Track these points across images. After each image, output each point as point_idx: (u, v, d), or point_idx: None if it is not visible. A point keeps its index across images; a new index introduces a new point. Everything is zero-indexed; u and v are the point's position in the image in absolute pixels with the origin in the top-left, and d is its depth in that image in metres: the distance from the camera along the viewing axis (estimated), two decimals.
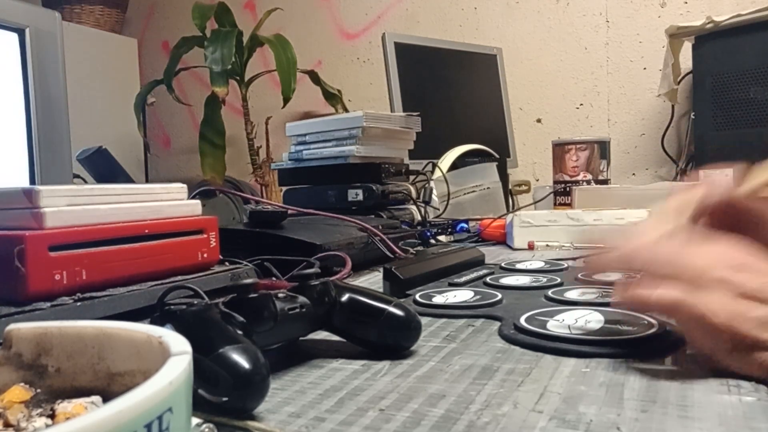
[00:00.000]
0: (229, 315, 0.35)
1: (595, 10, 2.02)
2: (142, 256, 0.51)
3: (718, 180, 0.48)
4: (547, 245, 0.92)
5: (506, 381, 0.34)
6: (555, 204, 1.29)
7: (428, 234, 0.95)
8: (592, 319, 0.43)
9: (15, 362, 0.25)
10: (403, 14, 2.34)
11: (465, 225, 1.12)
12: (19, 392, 0.24)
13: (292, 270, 0.60)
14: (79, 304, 0.44)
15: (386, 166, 1.07)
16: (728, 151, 1.52)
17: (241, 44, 2.17)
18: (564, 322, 0.43)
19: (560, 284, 0.59)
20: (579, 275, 0.63)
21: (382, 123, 1.10)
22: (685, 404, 0.30)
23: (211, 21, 2.19)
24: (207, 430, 0.26)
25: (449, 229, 1.08)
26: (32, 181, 0.95)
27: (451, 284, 0.62)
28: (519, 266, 0.71)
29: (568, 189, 1.26)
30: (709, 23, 1.51)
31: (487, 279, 0.63)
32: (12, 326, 0.25)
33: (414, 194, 1.11)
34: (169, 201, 0.55)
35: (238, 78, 2.24)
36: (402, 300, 0.43)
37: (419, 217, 1.07)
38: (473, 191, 1.28)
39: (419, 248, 0.87)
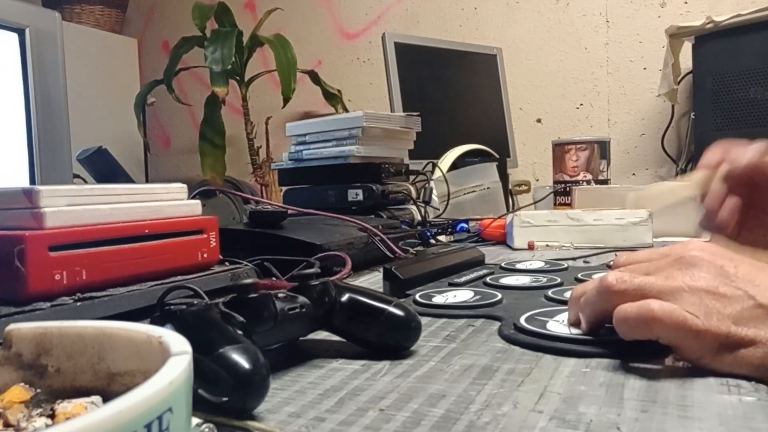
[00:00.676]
0: (229, 315, 0.35)
1: (595, 10, 2.02)
2: (142, 256, 0.51)
3: (748, 146, 0.48)
4: (547, 245, 0.92)
5: (506, 381, 0.34)
6: (555, 204, 1.29)
7: (428, 234, 0.95)
8: None
9: (15, 362, 0.25)
10: (403, 14, 2.34)
11: (465, 225, 1.12)
12: (19, 392, 0.24)
13: (292, 270, 0.60)
14: (79, 304, 0.44)
15: (386, 166, 1.07)
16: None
17: (241, 44, 2.17)
18: (564, 322, 0.43)
19: (560, 284, 0.59)
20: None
21: (382, 123, 1.10)
22: (685, 404, 0.30)
23: (211, 21, 2.19)
24: (207, 430, 0.26)
25: (449, 229, 1.08)
26: (32, 181, 0.95)
27: (451, 284, 0.62)
28: (519, 266, 0.71)
29: (568, 189, 1.26)
30: (709, 23, 1.51)
31: (487, 279, 0.63)
32: (12, 326, 0.25)
33: (414, 194, 1.11)
34: (169, 201, 0.55)
35: (238, 78, 2.24)
36: (402, 300, 0.43)
37: (419, 217, 1.07)
38: (473, 191, 1.28)
39: (419, 248, 0.87)
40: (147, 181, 2.66)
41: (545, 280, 0.61)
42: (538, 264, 0.72)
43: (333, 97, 2.19)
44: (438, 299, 0.54)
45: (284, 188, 1.15)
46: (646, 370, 0.35)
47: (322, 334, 0.43)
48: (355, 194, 1.03)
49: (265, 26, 2.25)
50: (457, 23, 2.24)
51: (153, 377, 0.17)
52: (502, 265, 0.72)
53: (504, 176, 1.44)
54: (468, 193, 1.27)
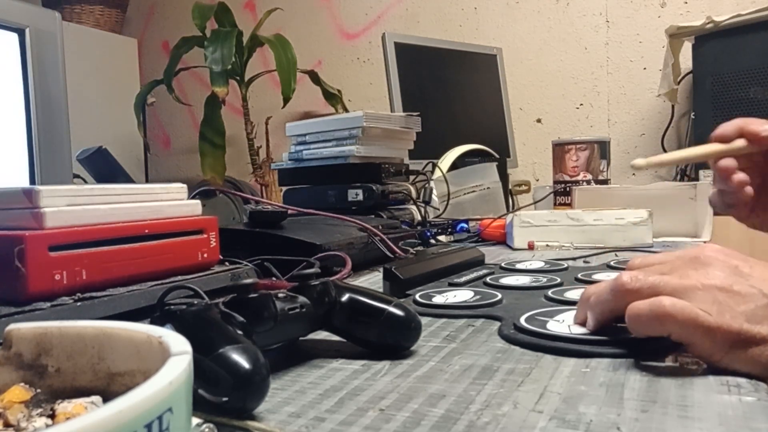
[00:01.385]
0: (229, 315, 0.35)
1: (595, 10, 2.02)
2: (142, 256, 0.51)
3: (765, 124, 0.48)
4: (547, 245, 0.92)
5: (506, 381, 0.34)
6: (555, 204, 1.29)
7: (428, 234, 0.95)
8: None
9: (15, 362, 0.25)
10: (403, 14, 2.34)
11: (465, 225, 1.12)
12: (19, 392, 0.24)
13: (292, 270, 0.60)
14: (79, 304, 0.44)
15: (386, 166, 1.07)
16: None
17: (241, 44, 2.17)
18: (564, 322, 0.42)
19: (560, 284, 0.59)
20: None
21: (382, 123, 1.10)
22: (685, 404, 0.30)
23: (211, 21, 2.19)
24: (207, 430, 0.26)
25: (449, 229, 1.08)
26: (32, 181, 0.95)
27: (451, 284, 0.62)
28: (519, 266, 0.71)
29: (568, 189, 1.26)
30: (709, 23, 1.51)
31: (487, 279, 0.63)
32: (12, 326, 0.25)
33: (414, 194, 1.11)
34: (169, 201, 0.55)
35: (238, 78, 2.24)
36: (402, 300, 0.43)
37: (419, 217, 1.07)
38: (473, 191, 1.28)
39: (419, 248, 0.87)
40: (147, 181, 2.66)
41: (545, 280, 0.61)
42: (538, 264, 0.72)
43: (333, 97, 2.19)
44: (438, 299, 0.54)
45: (284, 188, 1.15)
46: (646, 370, 0.35)
47: (322, 334, 0.43)
48: (355, 194, 1.03)
49: (265, 26, 2.25)
50: (457, 23, 2.24)
51: (153, 377, 0.17)
52: (502, 265, 0.72)
53: (504, 176, 1.44)
54: (468, 193, 1.27)
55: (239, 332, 0.34)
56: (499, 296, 0.53)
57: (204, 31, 2.12)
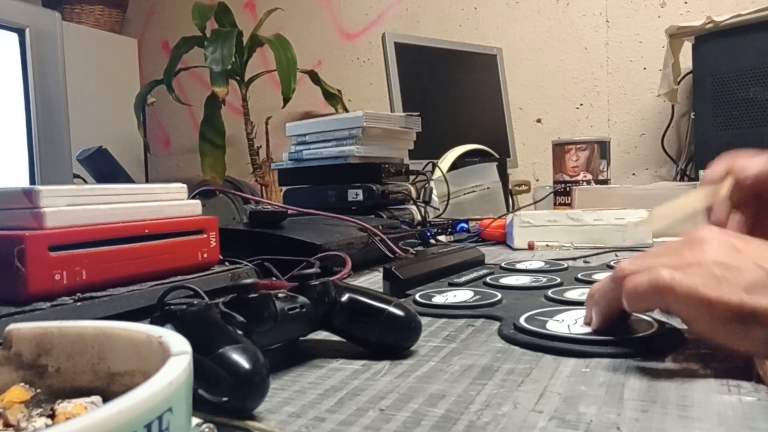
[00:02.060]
0: (229, 315, 0.35)
1: (595, 10, 2.02)
2: (142, 256, 0.51)
3: (754, 156, 0.48)
4: (547, 245, 0.92)
5: (506, 381, 0.34)
6: (555, 204, 1.29)
7: (428, 234, 0.95)
8: None
9: (15, 362, 0.25)
10: (403, 14, 2.34)
11: (465, 225, 1.12)
12: (19, 392, 0.24)
13: (292, 270, 0.60)
14: (79, 304, 0.44)
15: (386, 166, 1.07)
16: (728, 151, 1.51)
17: (241, 44, 2.17)
18: (564, 322, 0.43)
19: (560, 284, 0.59)
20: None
21: (382, 123, 1.10)
22: (685, 404, 0.30)
23: (211, 21, 2.19)
24: (207, 430, 0.26)
25: (449, 229, 1.08)
26: (32, 181, 0.95)
27: (451, 284, 0.62)
28: (519, 266, 0.71)
29: (568, 189, 1.26)
30: (709, 23, 1.51)
31: (487, 279, 0.63)
32: (12, 326, 0.25)
33: (414, 194, 1.11)
34: (169, 201, 0.55)
35: (238, 78, 2.24)
36: (402, 300, 0.43)
37: (419, 217, 1.07)
38: (473, 191, 1.28)
39: (419, 248, 0.87)
40: (147, 181, 2.66)
41: (545, 280, 0.61)
42: (538, 264, 0.72)
43: (333, 97, 2.19)
44: (438, 299, 0.54)
45: (284, 188, 1.15)
46: (646, 370, 0.35)
47: (322, 334, 0.43)
48: (355, 194, 1.03)
49: (265, 26, 2.24)
50: (457, 23, 2.24)
51: (153, 377, 0.17)
52: (502, 265, 0.72)
53: (504, 176, 1.44)
54: (468, 193, 1.27)
55: (239, 332, 0.34)
56: (499, 296, 0.53)
57: (204, 31, 2.12)
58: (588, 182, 1.26)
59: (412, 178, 1.16)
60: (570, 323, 0.42)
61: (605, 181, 1.28)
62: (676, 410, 0.29)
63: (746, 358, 0.34)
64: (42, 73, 0.97)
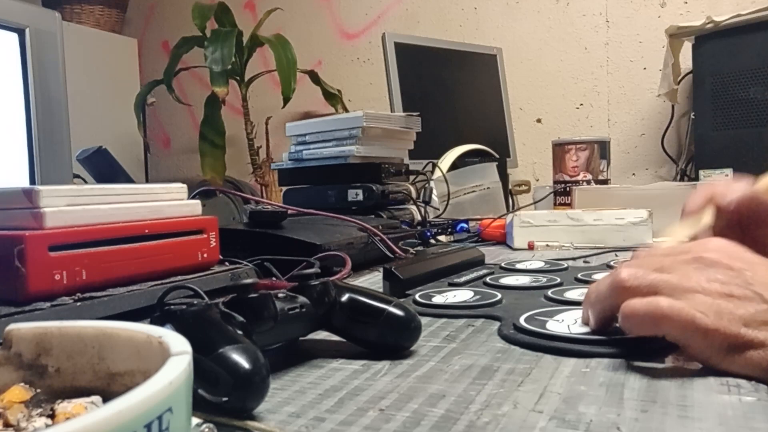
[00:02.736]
0: (229, 315, 0.35)
1: (595, 10, 2.02)
2: (142, 256, 0.51)
3: (733, 183, 0.48)
4: (547, 245, 0.92)
5: (506, 381, 0.34)
6: (555, 204, 1.29)
7: (428, 234, 0.95)
8: None
9: (15, 362, 0.25)
10: (403, 14, 2.34)
11: (465, 225, 1.12)
12: (19, 392, 0.24)
13: (292, 270, 0.60)
14: (79, 304, 0.44)
15: (386, 166, 1.07)
16: (728, 151, 1.52)
17: (241, 44, 2.17)
18: (564, 322, 0.42)
19: (560, 284, 0.59)
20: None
21: (382, 123, 1.10)
22: (685, 404, 0.30)
23: (211, 21, 2.19)
24: (207, 430, 0.26)
25: (449, 229, 1.08)
26: (32, 181, 0.95)
27: (451, 284, 0.62)
28: (519, 266, 0.71)
29: (568, 189, 1.26)
30: (709, 23, 1.51)
31: (487, 279, 0.63)
32: (12, 326, 0.25)
33: (414, 194, 1.11)
34: (169, 201, 0.55)
35: (238, 78, 2.24)
36: (402, 300, 0.43)
37: (419, 217, 1.07)
38: (473, 191, 1.28)
39: (419, 248, 0.87)
40: (147, 181, 2.66)
41: (545, 280, 0.61)
42: (538, 264, 0.72)
43: (333, 97, 2.19)
44: (438, 299, 0.54)
45: (284, 188, 1.15)
46: (646, 370, 0.35)
47: (322, 334, 0.43)
48: (355, 194, 1.03)
49: (265, 26, 2.24)
50: (457, 23, 2.24)
51: (153, 377, 0.17)
52: (502, 265, 0.72)
53: (504, 176, 1.44)
54: (468, 193, 1.27)
55: (239, 332, 0.34)
56: (499, 296, 0.53)
57: (204, 31, 2.12)
58: (588, 182, 1.26)
59: (412, 178, 1.16)
60: (570, 323, 0.42)
61: (605, 181, 1.28)
62: (676, 410, 0.29)
63: None
64: (42, 73, 0.97)
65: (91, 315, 0.44)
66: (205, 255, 0.56)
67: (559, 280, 0.61)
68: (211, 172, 2.14)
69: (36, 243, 0.43)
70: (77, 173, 1.33)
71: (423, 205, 1.09)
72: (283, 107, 2.06)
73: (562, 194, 1.27)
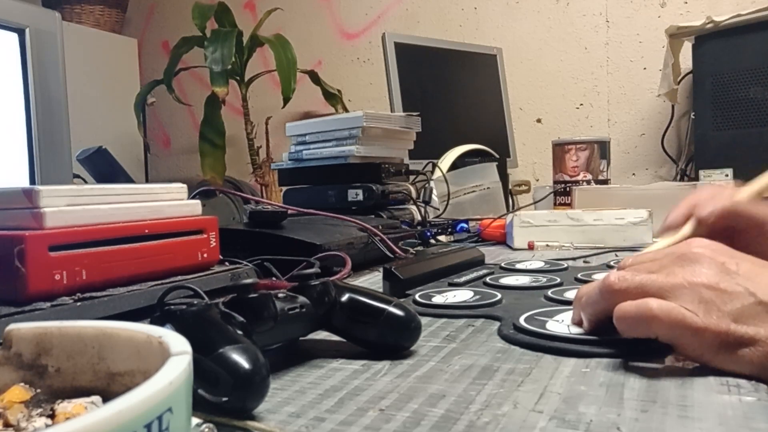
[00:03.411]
0: (229, 315, 0.35)
1: (595, 10, 2.02)
2: (142, 256, 0.51)
3: (716, 193, 0.49)
4: (547, 245, 0.92)
5: (506, 381, 0.34)
6: (555, 204, 1.29)
7: (428, 234, 0.95)
8: None
9: (15, 362, 0.25)
10: (403, 14, 2.34)
11: (465, 225, 1.12)
12: (19, 392, 0.24)
13: (292, 270, 0.60)
14: (79, 304, 0.44)
15: (386, 166, 1.07)
16: (728, 151, 1.52)
17: (241, 44, 2.17)
18: (564, 322, 0.43)
19: (560, 284, 0.59)
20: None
21: (382, 123, 1.10)
22: (685, 404, 0.30)
23: (211, 21, 2.19)
24: (207, 430, 0.26)
25: (449, 229, 1.08)
26: (32, 181, 0.95)
27: (451, 284, 0.62)
28: (519, 266, 0.71)
29: (568, 189, 1.26)
30: (709, 23, 1.51)
31: (487, 279, 0.63)
32: (12, 326, 0.25)
33: (414, 194, 1.11)
34: (169, 201, 0.55)
35: (238, 78, 2.24)
36: (402, 300, 0.43)
37: (419, 217, 1.07)
38: (473, 191, 1.28)
39: (419, 248, 0.87)
40: (147, 181, 2.66)
41: (545, 280, 0.61)
42: (538, 264, 0.72)
43: (333, 97, 2.19)
44: (438, 299, 0.54)
45: (284, 188, 1.15)
46: (646, 370, 0.35)
47: (322, 334, 0.43)
48: (355, 194, 1.03)
49: (265, 26, 2.24)
50: (457, 23, 2.24)
51: (153, 377, 0.17)
52: (502, 265, 0.72)
53: (504, 176, 1.44)
54: (468, 193, 1.27)
55: (239, 332, 0.34)
56: (499, 296, 0.53)
57: (204, 31, 2.12)
58: (588, 182, 1.26)
59: (412, 178, 1.16)
60: (570, 323, 0.42)
61: (605, 181, 1.28)
62: (676, 410, 0.29)
63: None
64: (42, 73, 0.97)
65: (91, 315, 0.44)
66: (205, 255, 0.56)
67: (559, 280, 0.61)
68: (211, 172, 2.14)
69: (36, 243, 0.43)
70: (77, 173, 1.33)
71: (423, 205, 1.09)
72: (283, 107, 2.06)
73: (562, 194, 1.27)
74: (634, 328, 0.35)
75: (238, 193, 1.02)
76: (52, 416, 0.22)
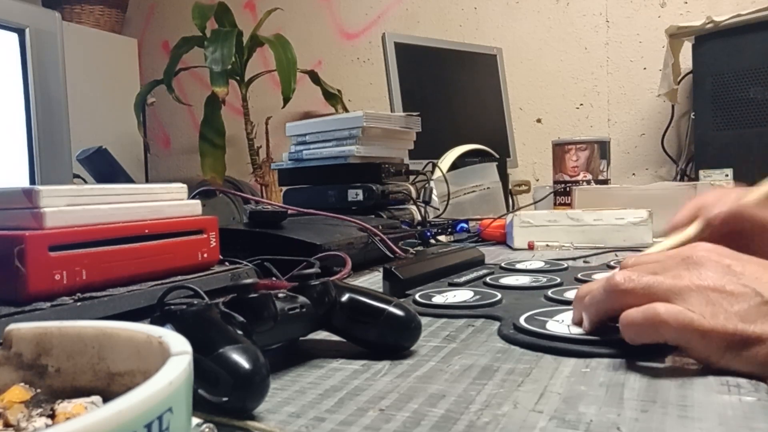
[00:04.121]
0: (229, 315, 0.35)
1: (595, 10, 2.02)
2: (142, 256, 0.51)
3: (724, 195, 0.49)
4: (547, 245, 0.92)
5: (506, 381, 0.34)
6: (555, 204, 1.29)
7: (428, 234, 0.95)
8: None
9: (15, 362, 0.25)
10: (403, 14, 2.34)
11: (465, 225, 1.12)
12: (19, 392, 0.24)
13: (292, 270, 0.60)
14: (79, 304, 0.44)
15: (386, 166, 1.07)
16: (728, 151, 1.52)
17: (241, 44, 2.17)
18: (563, 322, 0.43)
19: (560, 284, 0.59)
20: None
21: (382, 123, 1.10)
22: (685, 404, 0.30)
23: (211, 21, 2.19)
24: (207, 430, 0.26)
25: (449, 229, 1.08)
26: (32, 181, 0.95)
27: (451, 284, 0.62)
28: (519, 266, 0.71)
29: (568, 189, 1.26)
30: (709, 23, 1.51)
31: (487, 279, 0.63)
32: (12, 326, 0.25)
33: (414, 194, 1.11)
34: (169, 201, 0.55)
35: (238, 78, 2.24)
36: (402, 300, 0.43)
37: (419, 217, 1.07)
38: (473, 191, 1.28)
39: (419, 248, 0.87)
40: (147, 181, 2.66)
41: (545, 280, 0.61)
42: (538, 264, 0.72)
43: (333, 97, 2.19)
44: (438, 299, 0.54)
45: (284, 188, 1.15)
46: (646, 370, 0.35)
47: (322, 334, 0.43)
48: (355, 194, 1.03)
49: (265, 26, 2.24)
50: (457, 23, 2.24)
51: (153, 377, 0.17)
52: (502, 265, 0.72)
53: (504, 176, 1.44)
54: (468, 193, 1.27)
55: (239, 332, 0.34)
56: (499, 296, 0.53)
57: (204, 31, 2.12)
58: (588, 182, 1.26)
59: (412, 178, 1.16)
60: (570, 323, 0.42)
61: (605, 181, 1.28)
62: (676, 410, 0.29)
63: None
64: (42, 73, 0.97)
65: (91, 315, 0.44)
66: (205, 255, 0.56)
67: (559, 280, 0.61)
68: (211, 172, 2.14)
69: (36, 243, 0.43)
70: (77, 173, 1.33)
71: (423, 205, 1.09)
72: (283, 107, 2.06)
73: (562, 194, 1.27)
74: (642, 334, 0.35)
75: (238, 193, 1.02)
76: (52, 416, 0.22)
